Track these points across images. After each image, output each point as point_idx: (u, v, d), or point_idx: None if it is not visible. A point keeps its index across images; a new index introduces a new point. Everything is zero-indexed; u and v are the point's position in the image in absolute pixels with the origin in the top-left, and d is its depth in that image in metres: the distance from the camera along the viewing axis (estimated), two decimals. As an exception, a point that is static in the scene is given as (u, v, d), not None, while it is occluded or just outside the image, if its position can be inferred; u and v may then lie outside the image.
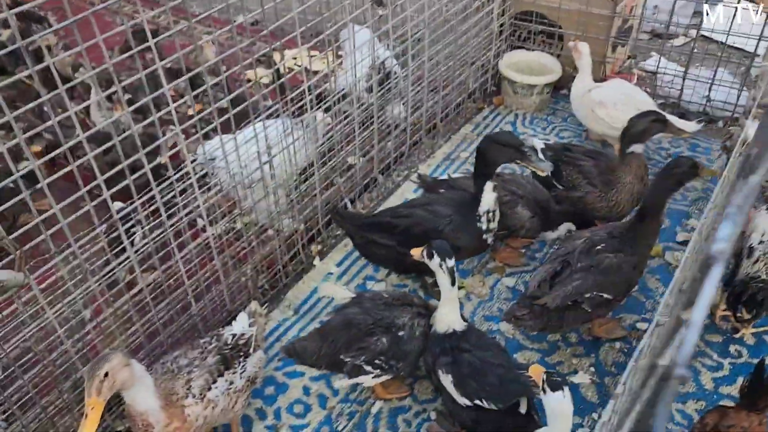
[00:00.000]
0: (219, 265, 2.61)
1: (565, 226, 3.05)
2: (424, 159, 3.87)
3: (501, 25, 4.27)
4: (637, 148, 2.93)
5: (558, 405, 1.93)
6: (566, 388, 1.93)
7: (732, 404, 2.26)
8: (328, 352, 2.43)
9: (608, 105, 3.52)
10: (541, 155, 3.23)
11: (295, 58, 4.64)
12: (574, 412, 2.53)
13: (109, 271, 2.19)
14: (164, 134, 3.45)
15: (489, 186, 2.62)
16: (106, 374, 1.80)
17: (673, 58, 4.70)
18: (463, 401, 2.26)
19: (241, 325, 2.42)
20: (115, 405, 2.41)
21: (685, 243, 3.30)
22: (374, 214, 2.98)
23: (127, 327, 2.36)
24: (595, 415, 2.55)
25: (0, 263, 1.80)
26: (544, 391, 1.95)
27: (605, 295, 2.52)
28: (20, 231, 1.80)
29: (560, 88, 4.46)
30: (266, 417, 2.58)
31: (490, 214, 2.67)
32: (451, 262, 2.28)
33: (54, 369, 2.12)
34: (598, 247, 2.56)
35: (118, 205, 2.78)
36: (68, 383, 2.22)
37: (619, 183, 2.97)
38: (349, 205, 3.44)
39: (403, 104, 3.55)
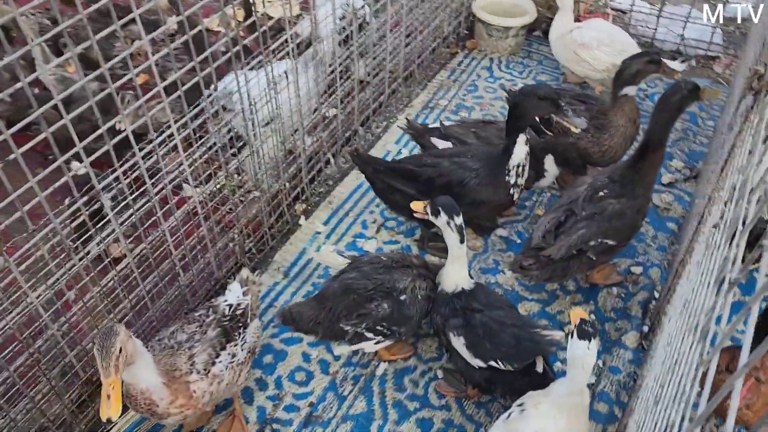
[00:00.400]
0: (206, 232, 2.44)
1: (549, 161, 2.89)
2: (402, 108, 3.72)
3: (473, -36, 4.08)
4: (630, 90, 2.86)
5: (580, 354, 1.84)
6: (594, 341, 1.85)
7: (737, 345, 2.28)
8: (327, 319, 2.31)
9: (592, 46, 3.43)
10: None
11: (254, 3, 4.35)
12: (578, 361, 2.54)
13: (95, 245, 1.99)
14: (122, 98, 3.19)
15: (522, 139, 2.50)
16: (121, 349, 1.65)
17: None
18: (477, 363, 2.19)
19: (235, 294, 2.28)
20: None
21: (670, 185, 3.29)
22: (397, 159, 2.84)
23: (115, 304, 2.18)
24: (599, 362, 2.55)
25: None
26: (572, 335, 1.87)
27: (609, 242, 2.48)
28: (-5, 209, 1.58)
29: (532, 30, 4.34)
30: (267, 387, 2.47)
31: (520, 169, 2.56)
32: (459, 220, 2.17)
33: (40, 356, 1.93)
34: (601, 194, 2.50)
35: (76, 165, 2.54)
36: (56, 370, 2.04)
37: (612, 127, 2.90)
38: (331, 160, 3.28)
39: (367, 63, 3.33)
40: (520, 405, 1.99)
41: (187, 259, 2.41)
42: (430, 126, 2.99)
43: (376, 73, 3.44)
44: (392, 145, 3.48)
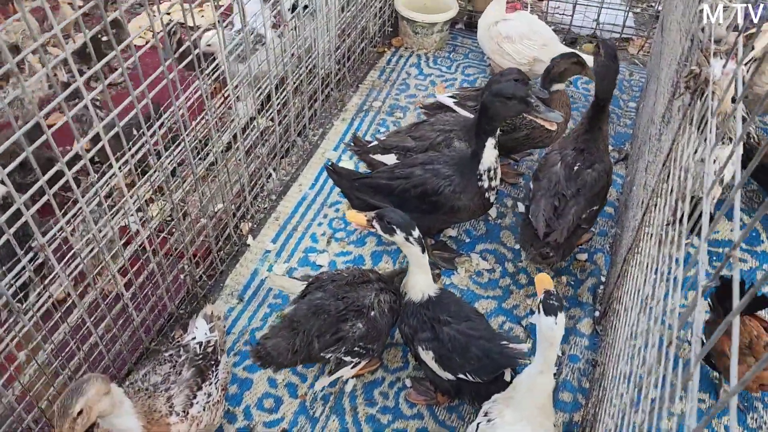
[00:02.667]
0: (155, 267, 2.33)
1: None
2: (337, 113, 3.68)
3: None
4: (559, 86, 2.96)
5: (548, 331, 1.82)
6: (561, 315, 1.82)
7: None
8: (302, 344, 2.23)
9: (515, 39, 3.50)
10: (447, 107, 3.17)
11: (169, 13, 4.18)
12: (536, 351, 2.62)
13: (41, 300, 1.86)
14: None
15: (491, 143, 2.46)
16: (81, 411, 1.55)
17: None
18: (446, 376, 2.22)
19: (202, 331, 2.21)
20: None
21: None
22: (370, 174, 2.75)
23: (69, 358, 2.06)
24: (559, 352, 2.64)
25: None
26: (539, 311, 1.85)
27: (595, 208, 2.66)
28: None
29: (455, 23, 4.39)
30: (236, 419, 2.40)
31: (491, 173, 2.53)
32: (416, 233, 2.16)
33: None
34: (576, 168, 2.65)
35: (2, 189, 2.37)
36: (13, 437, 1.91)
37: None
38: (273, 174, 3.21)
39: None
40: (486, 414, 2.00)
41: (138, 298, 2.30)
42: (369, 145, 2.97)
43: (310, 80, 3.38)
44: (331, 152, 3.44)
